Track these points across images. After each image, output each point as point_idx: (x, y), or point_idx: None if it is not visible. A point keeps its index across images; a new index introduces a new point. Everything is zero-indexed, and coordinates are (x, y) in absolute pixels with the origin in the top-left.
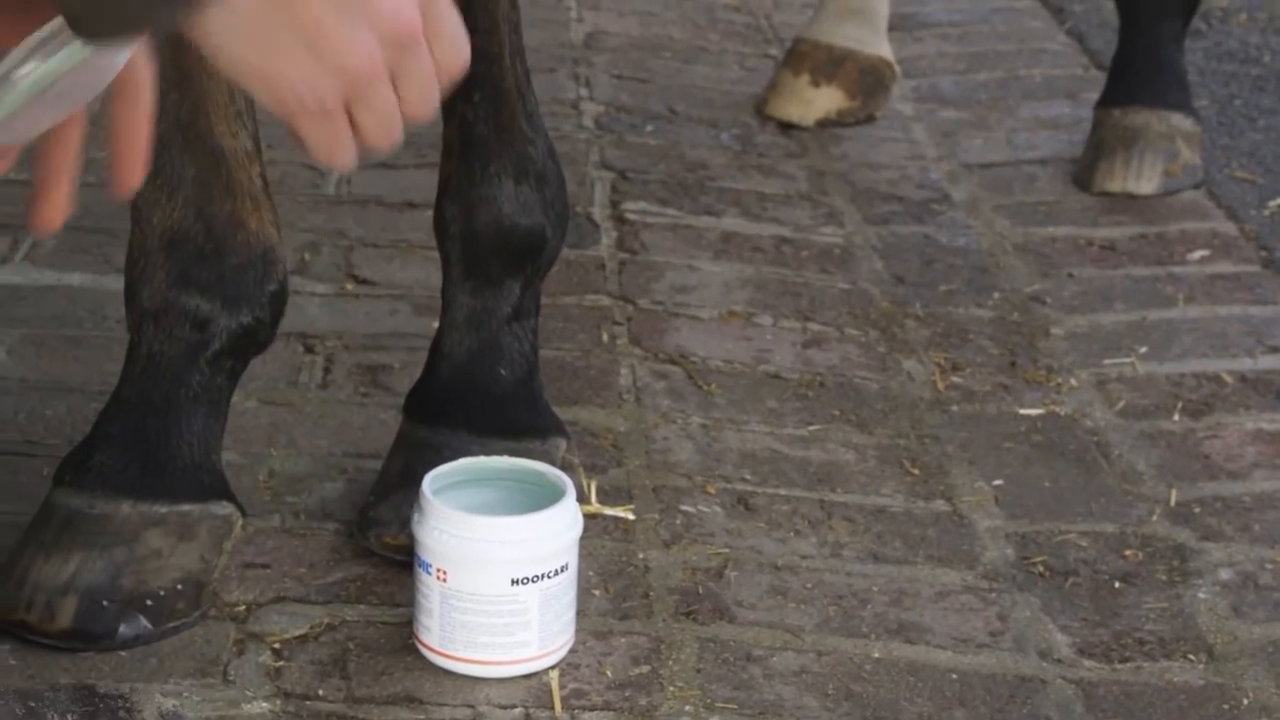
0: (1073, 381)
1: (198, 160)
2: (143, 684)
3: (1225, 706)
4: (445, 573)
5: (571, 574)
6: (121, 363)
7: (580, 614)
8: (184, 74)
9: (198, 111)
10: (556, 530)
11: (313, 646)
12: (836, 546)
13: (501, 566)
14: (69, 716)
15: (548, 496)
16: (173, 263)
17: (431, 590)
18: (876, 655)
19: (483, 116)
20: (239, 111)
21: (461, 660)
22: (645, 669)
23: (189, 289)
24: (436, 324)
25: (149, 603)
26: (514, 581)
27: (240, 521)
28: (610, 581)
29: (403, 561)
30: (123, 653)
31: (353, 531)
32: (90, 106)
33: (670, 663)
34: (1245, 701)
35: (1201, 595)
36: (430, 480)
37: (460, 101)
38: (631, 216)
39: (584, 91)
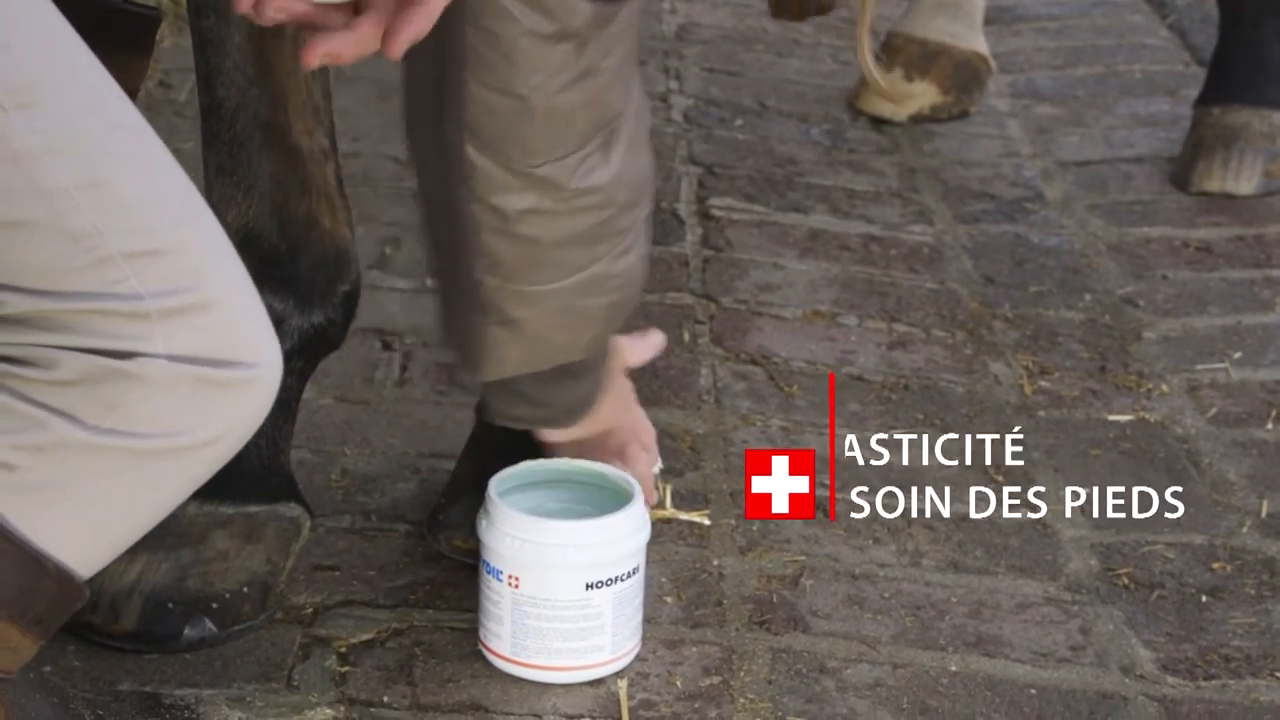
0: (1164, 387)
1: (274, 158)
2: (208, 690)
3: None
4: (517, 579)
5: (640, 576)
6: None
7: (651, 622)
8: (263, 71)
9: (276, 109)
10: (628, 532)
11: (379, 652)
12: (916, 555)
13: (576, 571)
14: None
15: (612, 497)
16: (246, 260)
17: (502, 597)
18: (953, 668)
19: None
20: (315, 109)
21: (534, 667)
22: (715, 680)
23: (261, 287)
24: None
25: (214, 605)
26: (588, 586)
27: (308, 523)
28: (683, 588)
29: (473, 565)
30: (187, 656)
31: (423, 533)
32: None
33: (741, 673)
34: None
35: None
36: (496, 484)
37: None
38: (717, 213)
39: (673, 84)
